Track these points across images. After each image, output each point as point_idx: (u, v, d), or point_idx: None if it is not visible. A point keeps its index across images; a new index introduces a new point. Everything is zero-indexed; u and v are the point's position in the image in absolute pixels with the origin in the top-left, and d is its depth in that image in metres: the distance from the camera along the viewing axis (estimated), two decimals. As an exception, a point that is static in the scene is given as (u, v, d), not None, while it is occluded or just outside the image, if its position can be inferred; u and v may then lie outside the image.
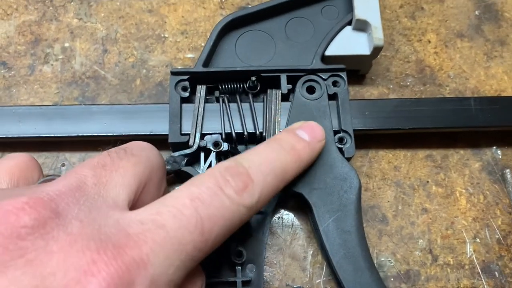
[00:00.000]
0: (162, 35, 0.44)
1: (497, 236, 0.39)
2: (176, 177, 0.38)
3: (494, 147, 0.42)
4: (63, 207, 0.23)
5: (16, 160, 0.30)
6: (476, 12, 0.47)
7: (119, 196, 0.26)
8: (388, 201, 0.39)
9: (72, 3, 0.44)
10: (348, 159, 0.37)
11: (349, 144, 0.37)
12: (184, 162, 0.37)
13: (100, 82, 0.41)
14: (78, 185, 0.25)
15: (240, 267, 0.34)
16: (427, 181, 0.40)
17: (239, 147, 0.39)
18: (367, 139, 0.41)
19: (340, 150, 0.37)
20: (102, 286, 0.21)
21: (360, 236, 0.35)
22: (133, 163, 0.27)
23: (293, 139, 0.32)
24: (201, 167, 0.36)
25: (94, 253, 0.22)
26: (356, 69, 0.42)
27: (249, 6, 0.46)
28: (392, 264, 0.37)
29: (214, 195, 0.26)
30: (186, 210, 0.25)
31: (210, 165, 0.36)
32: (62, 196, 0.24)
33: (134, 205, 0.27)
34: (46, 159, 0.39)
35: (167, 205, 0.25)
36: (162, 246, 0.23)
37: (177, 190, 0.26)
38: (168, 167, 0.36)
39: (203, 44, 0.43)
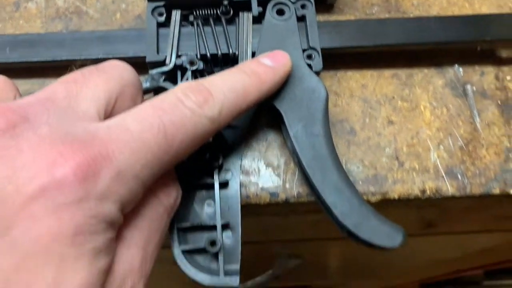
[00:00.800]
0: (140, -27, 0.46)
1: (459, 144, 0.41)
2: (155, 95, 0.40)
3: (456, 65, 0.44)
4: (33, 114, 0.26)
5: None
6: None
7: (89, 109, 0.28)
8: (356, 115, 0.42)
9: None
10: (317, 73, 0.39)
11: (316, 59, 0.40)
12: (162, 80, 0.39)
13: (82, 17, 0.44)
14: (48, 97, 0.28)
15: (217, 171, 0.37)
16: (393, 97, 0.43)
17: (215, 69, 0.41)
18: (336, 60, 0.43)
19: (309, 66, 0.39)
20: (68, 173, 0.24)
21: (327, 139, 0.37)
22: (104, 79, 0.30)
23: (254, 65, 0.35)
24: (179, 84, 0.39)
25: (61, 147, 0.25)
26: (324, -2, 0.45)
27: None
28: (360, 169, 0.40)
29: (175, 106, 0.29)
30: (149, 117, 0.28)
31: (186, 83, 0.39)
32: (31, 105, 0.27)
33: (106, 119, 0.29)
34: (32, 85, 0.41)
35: (131, 113, 0.28)
36: (126, 145, 0.26)
37: (142, 104, 0.29)
38: (147, 85, 0.39)
39: (179, -19, 0.46)
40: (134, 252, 0.28)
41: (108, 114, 0.30)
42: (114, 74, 0.31)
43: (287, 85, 0.38)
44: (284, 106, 0.38)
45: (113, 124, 0.27)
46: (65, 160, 0.24)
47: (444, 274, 1.51)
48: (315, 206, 0.39)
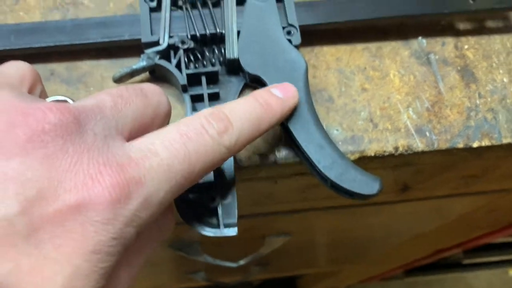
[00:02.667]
0: (130, -34, 0.50)
1: (426, 106, 0.46)
2: (151, 76, 0.44)
3: (420, 37, 0.49)
4: (83, 117, 0.28)
5: (24, 67, 0.35)
6: None
7: (125, 126, 0.31)
8: (333, 85, 0.46)
9: None
10: (296, 47, 0.44)
11: (295, 34, 0.44)
12: (157, 58, 0.43)
13: (78, 7, 0.47)
14: (97, 104, 0.30)
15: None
16: (365, 68, 0.47)
17: (204, 48, 0.45)
18: (312, 37, 0.48)
19: (289, 41, 0.44)
20: (104, 193, 0.26)
21: (309, 105, 0.42)
22: (144, 103, 0.32)
23: (267, 95, 0.37)
24: (172, 62, 0.43)
25: (102, 166, 0.26)
26: (299, -19, 0.49)
27: None
28: (339, 132, 0.44)
29: (200, 134, 0.31)
30: (176, 144, 0.30)
31: (179, 61, 0.43)
32: (83, 108, 0.29)
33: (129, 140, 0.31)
34: (36, 69, 0.44)
35: (160, 138, 0.30)
36: (156, 171, 0.28)
37: (168, 127, 0.32)
38: (144, 63, 0.43)
39: (166, -29, 0.50)
40: (127, 274, 0.29)
41: (135, 134, 0.31)
42: (153, 101, 0.33)
43: (271, 58, 0.43)
44: (268, 76, 0.42)
45: (144, 147, 0.29)
46: (104, 179, 0.26)
47: (426, 257, 1.57)
48: (301, 167, 0.43)
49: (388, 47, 0.49)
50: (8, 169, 0.24)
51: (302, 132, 0.41)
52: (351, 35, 0.49)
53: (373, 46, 0.49)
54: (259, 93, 0.37)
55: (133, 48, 0.45)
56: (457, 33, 0.50)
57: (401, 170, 0.54)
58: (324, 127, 0.45)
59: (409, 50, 0.49)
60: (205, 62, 0.44)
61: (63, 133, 0.26)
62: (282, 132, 0.44)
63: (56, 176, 0.25)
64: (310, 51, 0.48)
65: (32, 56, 0.44)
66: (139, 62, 0.43)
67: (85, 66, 0.45)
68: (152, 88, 0.34)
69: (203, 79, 0.43)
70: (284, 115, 0.38)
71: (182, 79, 0.42)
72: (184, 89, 0.43)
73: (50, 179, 0.25)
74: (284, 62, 0.43)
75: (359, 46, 0.48)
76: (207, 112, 0.33)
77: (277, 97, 0.38)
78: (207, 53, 0.44)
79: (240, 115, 0.34)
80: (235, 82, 0.45)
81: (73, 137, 0.27)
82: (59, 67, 0.45)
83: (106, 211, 0.25)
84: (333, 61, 0.48)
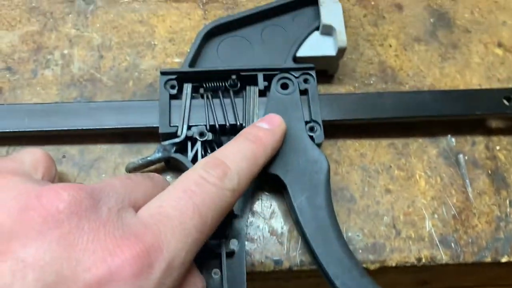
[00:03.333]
0: (152, 43, 0.49)
1: (452, 212, 0.43)
2: (166, 165, 0.43)
3: (449, 135, 0.47)
4: (96, 194, 0.28)
5: (38, 154, 0.35)
6: (431, 20, 0.53)
7: (136, 200, 0.31)
8: (356, 184, 0.44)
9: (70, 15, 0.49)
10: (318, 145, 0.42)
11: (318, 132, 0.42)
12: (173, 150, 0.41)
13: (96, 84, 0.46)
14: (108, 183, 0.30)
15: (223, 241, 0.39)
16: (390, 166, 0.45)
17: (222, 138, 0.43)
18: (336, 130, 0.46)
19: (311, 137, 0.42)
20: (124, 265, 0.25)
21: (329, 211, 0.39)
22: (152, 185, 0.33)
23: (254, 130, 0.38)
24: (189, 155, 0.41)
25: (119, 240, 0.26)
26: (325, 69, 0.48)
27: (230, 16, 0.51)
28: (360, 238, 0.42)
29: (201, 185, 0.31)
30: (182, 200, 0.30)
31: (196, 153, 0.41)
32: (95, 186, 0.29)
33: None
34: (48, 151, 0.43)
35: (165, 200, 0.30)
36: (172, 233, 0.28)
37: (168, 188, 0.31)
38: (159, 155, 0.41)
39: (189, 50, 0.49)
40: None
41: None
42: (159, 184, 0.34)
43: (291, 157, 0.41)
44: (288, 177, 0.40)
45: (154, 212, 0.29)
46: (122, 252, 0.25)
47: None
48: (317, 272, 0.41)
49: (415, 144, 0.46)
50: (26, 255, 0.24)
51: (320, 242, 0.38)
52: (376, 129, 0.46)
53: (399, 142, 0.46)
54: (247, 130, 0.38)
55: (150, 134, 0.43)
56: (489, 132, 0.48)
57: (423, 273, 0.51)
58: (344, 231, 0.42)
59: (437, 148, 0.46)
60: (222, 155, 0.42)
61: (78, 210, 0.26)
62: (300, 236, 0.41)
63: (74, 256, 0.25)
64: (333, 144, 0.46)
65: (46, 138, 0.43)
66: (154, 154, 0.41)
67: (98, 150, 0.43)
68: (158, 175, 0.36)
69: (220, 174, 0.41)
70: (276, 144, 0.39)
71: (197, 176, 0.40)
72: (199, 186, 0.41)
73: (69, 259, 0.24)
74: (305, 162, 0.41)
75: (385, 142, 0.46)
76: (202, 162, 0.33)
77: (265, 129, 0.38)
78: (225, 146, 0.43)
79: (235, 156, 0.34)
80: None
81: (88, 214, 0.26)
82: (72, 150, 0.43)
83: (129, 284, 0.25)
84: (357, 156, 0.45)
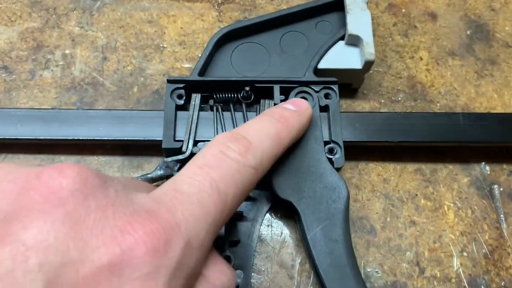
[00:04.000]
0: (161, 45, 0.45)
1: (484, 251, 0.39)
2: (168, 183, 0.39)
3: (483, 162, 0.42)
4: (103, 175, 0.25)
5: None
6: (468, 32, 0.48)
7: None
8: (377, 213, 0.40)
9: (74, 11, 0.46)
10: (338, 169, 0.38)
11: (338, 154, 0.38)
12: (176, 168, 0.37)
13: (98, 89, 0.42)
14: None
15: (227, 272, 0.35)
16: (416, 194, 0.41)
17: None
18: (357, 151, 0.41)
19: (330, 160, 0.38)
20: (138, 243, 0.22)
21: (347, 245, 0.35)
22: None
23: (280, 109, 0.35)
24: (193, 173, 0.37)
25: (129, 217, 0.23)
26: (349, 83, 0.43)
27: (246, 19, 0.47)
28: (379, 275, 0.38)
29: (220, 159, 0.28)
30: (198, 176, 0.26)
31: (202, 172, 0.37)
32: (101, 173, 0.26)
33: None
34: (41, 161, 0.39)
35: (181, 177, 0.27)
36: (190, 211, 0.24)
37: (185, 165, 0.28)
38: (161, 172, 0.37)
39: (200, 55, 0.45)
40: None
41: None
42: None
43: (307, 181, 0.37)
44: (302, 205, 0.36)
45: (168, 190, 0.26)
46: (134, 229, 0.22)
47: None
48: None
49: (445, 170, 0.42)
50: (28, 238, 0.21)
51: (335, 281, 0.34)
52: (402, 152, 0.42)
53: (427, 167, 0.42)
54: (272, 109, 0.35)
55: (153, 147, 0.39)
56: (528, 161, 0.43)
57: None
58: (362, 266, 0.38)
59: (469, 177, 0.42)
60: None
61: (83, 187, 0.23)
62: (312, 269, 0.37)
63: (81, 235, 0.21)
64: (354, 166, 0.42)
65: (39, 146, 0.39)
66: (155, 170, 0.37)
67: (96, 162, 0.40)
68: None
69: (227, 196, 0.37)
70: (302, 127, 0.36)
71: (202, 199, 0.36)
72: (203, 209, 0.37)
73: (75, 239, 0.21)
74: (322, 188, 0.36)
75: (411, 166, 0.42)
76: (221, 136, 0.30)
77: (291, 110, 0.35)
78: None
79: (258, 133, 0.31)
80: (263, 199, 0.39)
81: (94, 191, 0.23)
82: (68, 160, 0.40)
83: (144, 264, 0.21)
84: (379, 182, 0.41)
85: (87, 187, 0.23)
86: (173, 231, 0.23)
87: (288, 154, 0.37)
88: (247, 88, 0.40)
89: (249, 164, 0.29)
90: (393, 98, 0.44)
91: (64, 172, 0.23)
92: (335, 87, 0.40)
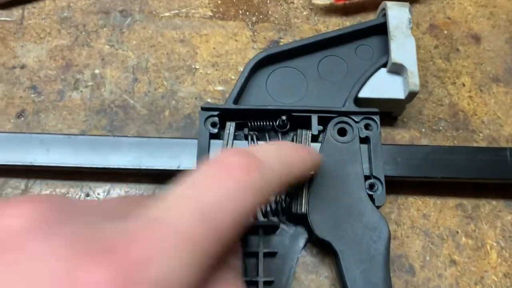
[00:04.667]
0: (193, 66, 0.43)
1: (528, 295, 0.37)
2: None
3: (528, 199, 0.40)
4: (71, 206, 0.22)
5: None
6: (513, 57, 0.46)
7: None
8: (416, 251, 0.38)
9: (104, 28, 0.44)
10: (378, 207, 0.36)
11: (380, 191, 0.36)
12: (210, 201, 0.36)
13: (129, 112, 0.41)
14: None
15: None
16: (457, 232, 0.39)
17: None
18: (397, 185, 0.40)
19: (370, 197, 0.36)
20: None
21: (387, 286, 0.34)
22: None
23: (292, 143, 0.35)
24: (227, 207, 0.36)
25: (87, 257, 0.18)
26: (389, 111, 0.41)
27: (281, 39, 0.45)
28: (418, 318, 0.36)
29: (217, 178, 0.23)
30: (184, 200, 0.22)
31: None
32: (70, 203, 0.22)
33: None
34: (70, 188, 0.38)
35: (163, 200, 0.22)
36: (164, 243, 0.20)
37: (175, 183, 0.23)
38: (194, 205, 0.36)
39: (233, 77, 0.43)
40: None
41: None
42: None
43: (346, 220, 0.35)
44: (341, 245, 0.34)
45: (145, 217, 0.21)
46: (89, 274, 0.18)
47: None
48: None
49: (487, 206, 0.40)
50: None
51: (374, 326, 0.33)
52: (443, 187, 0.40)
53: (468, 203, 0.40)
54: (283, 141, 0.35)
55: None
56: None
57: None
58: (399, 307, 0.37)
59: (513, 214, 0.40)
60: (265, 209, 0.37)
61: (34, 229, 0.19)
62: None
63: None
64: (392, 200, 0.40)
65: (68, 172, 0.38)
66: (188, 203, 0.36)
67: (126, 189, 0.39)
68: None
69: (261, 232, 0.36)
70: (314, 164, 0.33)
71: (236, 236, 0.35)
72: (237, 247, 0.35)
73: None
74: (362, 228, 0.35)
75: (452, 201, 0.40)
76: (227, 152, 0.25)
77: (303, 146, 0.35)
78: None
79: (269, 153, 0.26)
80: (297, 237, 0.37)
81: (50, 230, 0.19)
82: (97, 188, 0.39)
83: None
84: (419, 217, 0.39)
85: (40, 227, 0.19)
86: (141, 271, 0.19)
87: (326, 190, 0.36)
88: (283, 117, 0.38)
89: (253, 184, 0.24)
90: (434, 127, 0.42)
91: (15, 209, 0.20)
92: (377, 118, 0.38)
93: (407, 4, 0.41)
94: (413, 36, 0.39)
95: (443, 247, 0.38)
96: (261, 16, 0.46)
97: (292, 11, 0.46)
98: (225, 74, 0.43)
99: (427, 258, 0.38)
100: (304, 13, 0.46)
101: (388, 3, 0.41)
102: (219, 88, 0.43)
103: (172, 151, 0.38)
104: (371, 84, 0.39)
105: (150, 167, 0.37)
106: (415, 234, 0.39)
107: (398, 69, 0.39)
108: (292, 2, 0.47)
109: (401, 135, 0.42)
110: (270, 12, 0.46)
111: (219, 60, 0.44)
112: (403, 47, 0.39)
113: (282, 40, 0.45)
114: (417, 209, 0.40)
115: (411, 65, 0.38)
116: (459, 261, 0.38)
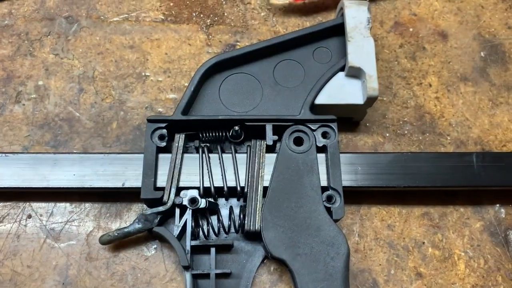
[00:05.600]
0: (143, 74, 0.41)
1: (498, 307, 0.35)
2: (149, 233, 0.35)
3: (497, 205, 0.38)
4: None
5: None
6: (482, 54, 0.44)
7: None
8: (380, 264, 0.36)
9: (49, 36, 0.42)
10: (336, 220, 0.34)
11: (338, 203, 0.34)
12: (156, 221, 0.34)
13: (74, 125, 0.39)
14: None
15: None
16: (423, 242, 0.37)
17: (220, 200, 0.36)
18: (359, 194, 0.37)
19: (328, 210, 0.34)
20: None
21: (346, 310, 0.32)
22: None
23: None
24: (176, 225, 0.34)
25: None
26: (349, 117, 0.39)
27: (238, 43, 0.43)
28: (382, 336, 0.34)
29: None
30: None
31: (185, 223, 0.34)
32: None
33: None
34: (11, 209, 0.36)
35: None
36: None
37: None
38: (139, 225, 0.34)
39: (186, 84, 0.41)
40: None
41: None
42: None
43: (302, 236, 0.33)
44: (296, 264, 0.32)
45: None
46: None
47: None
48: None
49: (455, 214, 0.38)
50: None
51: None
52: (408, 195, 0.38)
53: (435, 211, 0.38)
54: None
55: (131, 194, 0.36)
56: (546, 202, 0.39)
57: None
58: (362, 326, 0.35)
59: (482, 221, 0.38)
60: (216, 227, 0.35)
61: None
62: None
63: None
64: (354, 211, 0.38)
65: (8, 193, 0.36)
66: (133, 224, 0.34)
67: (70, 209, 0.36)
68: None
69: (212, 251, 0.34)
70: None
71: (183, 259, 0.32)
72: (186, 268, 0.33)
73: None
74: (319, 243, 0.33)
75: (418, 210, 0.38)
76: None
77: None
78: (221, 215, 0.35)
79: None
80: (254, 254, 0.35)
81: None
82: (40, 208, 0.36)
83: None
84: (383, 228, 0.37)
85: None
86: None
87: (282, 203, 0.34)
88: (236, 128, 0.36)
89: None
90: (398, 131, 0.40)
91: None
92: (334, 126, 0.36)
93: (366, 2, 0.38)
94: (372, 36, 0.37)
95: (409, 259, 0.36)
96: (216, 18, 0.43)
97: (249, 12, 0.44)
98: (177, 81, 0.41)
99: (392, 271, 0.36)
100: (262, 14, 0.44)
101: (346, 2, 0.38)
102: (172, 96, 0.40)
103: (117, 168, 0.35)
104: (328, 89, 0.37)
105: (93, 186, 0.35)
106: (379, 246, 0.37)
107: (356, 73, 0.37)
108: (249, 3, 0.44)
109: (363, 141, 0.40)
110: (226, 14, 0.44)
111: (171, 66, 0.41)
112: (361, 49, 0.37)
113: (238, 43, 0.43)
114: (381, 220, 0.37)
115: (370, 69, 0.36)
116: (425, 273, 0.36)
